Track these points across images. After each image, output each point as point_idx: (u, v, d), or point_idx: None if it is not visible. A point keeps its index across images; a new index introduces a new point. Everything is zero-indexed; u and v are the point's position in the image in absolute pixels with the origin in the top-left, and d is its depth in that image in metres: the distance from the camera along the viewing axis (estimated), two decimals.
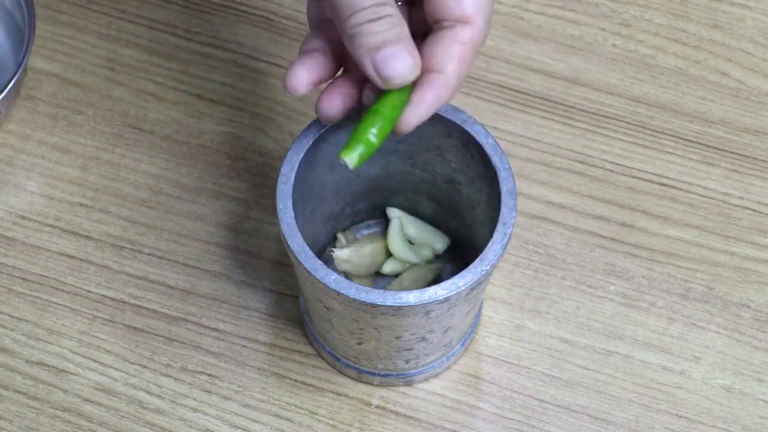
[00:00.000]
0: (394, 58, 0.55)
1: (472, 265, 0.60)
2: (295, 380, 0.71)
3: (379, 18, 0.55)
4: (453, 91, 0.58)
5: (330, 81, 0.60)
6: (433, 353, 0.68)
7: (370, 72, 0.56)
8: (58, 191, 0.76)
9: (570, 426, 0.70)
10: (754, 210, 0.75)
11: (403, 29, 0.56)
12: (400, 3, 0.60)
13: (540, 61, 0.80)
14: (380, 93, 0.57)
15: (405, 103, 0.57)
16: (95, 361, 0.71)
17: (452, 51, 0.57)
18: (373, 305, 0.59)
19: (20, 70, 0.73)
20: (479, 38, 0.58)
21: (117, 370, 0.71)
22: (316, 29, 0.60)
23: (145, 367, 0.71)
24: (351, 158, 0.56)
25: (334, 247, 0.71)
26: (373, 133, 0.56)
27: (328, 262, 0.71)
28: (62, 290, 0.73)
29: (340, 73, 0.61)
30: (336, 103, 0.59)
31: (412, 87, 0.57)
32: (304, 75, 0.58)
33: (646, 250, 0.74)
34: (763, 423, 0.70)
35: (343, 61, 0.60)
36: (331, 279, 0.60)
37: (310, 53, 0.59)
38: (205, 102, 0.78)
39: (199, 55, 0.80)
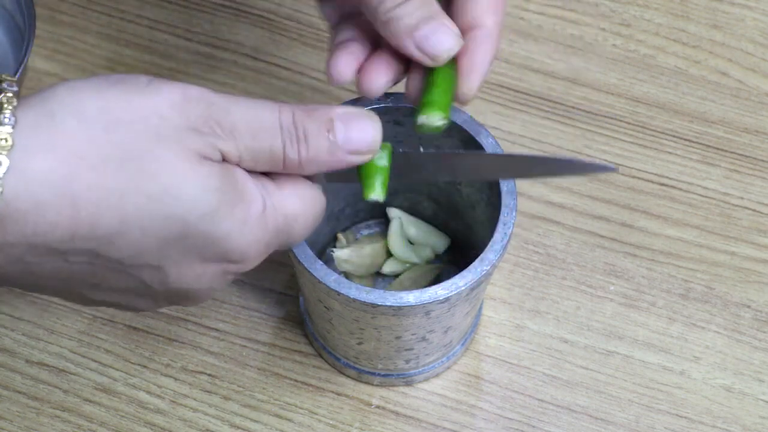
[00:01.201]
0: (436, 34, 0.55)
1: (472, 265, 0.60)
2: (295, 380, 0.71)
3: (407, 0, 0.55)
4: (498, 42, 0.58)
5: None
6: (433, 353, 0.68)
7: (415, 53, 0.56)
8: None
9: (570, 426, 0.70)
10: (754, 210, 0.75)
11: (434, 4, 0.56)
12: None
13: (540, 61, 0.80)
14: (426, 72, 0.57)
15: (454, 66, 0.57)
16: (95, 361, 0.71)
17: (484, 3, 0.57)
18: (373, 305, 0.59)
19: (20, 70, 0.73)
20: None
21: (117, 370, 0.71)
22: (342, 23, 0.60)
23: (145, 367, 0.71)
24: (436, 116, 0.56)
25: (334, 247, 0.71)
26: (443, 96, 0.57)
27: (328, 262, 0.71)
28: None
29: None
30: (380, 78, 0.58)
31: (458, 54, 0.57)
32: (346, 62, 0.58)
33: (646, 250, 0.74)
34: (763, 423, 0.70)
35: (379, 43, 0.60)
36: (331, 279, 0.60)
37: (344, 44, 0.59)
38: None
39: (199, 55, 0.80)
